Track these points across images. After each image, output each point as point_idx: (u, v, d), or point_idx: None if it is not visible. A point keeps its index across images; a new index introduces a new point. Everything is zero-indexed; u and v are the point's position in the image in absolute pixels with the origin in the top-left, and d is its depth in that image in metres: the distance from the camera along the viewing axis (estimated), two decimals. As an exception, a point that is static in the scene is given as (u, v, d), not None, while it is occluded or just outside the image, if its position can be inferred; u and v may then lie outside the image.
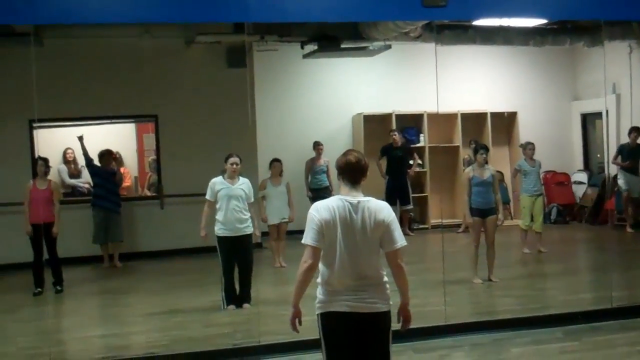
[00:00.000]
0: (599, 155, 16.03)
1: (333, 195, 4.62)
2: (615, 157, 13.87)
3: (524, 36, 13.29)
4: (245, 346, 7.27)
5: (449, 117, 15.38)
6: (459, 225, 14.54)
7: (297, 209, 11.37)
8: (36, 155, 11.06)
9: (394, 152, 14.32)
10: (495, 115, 15.70)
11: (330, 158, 13.25)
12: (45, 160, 10.36)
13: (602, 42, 12.30)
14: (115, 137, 14.44)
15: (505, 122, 16.06)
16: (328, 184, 13.52)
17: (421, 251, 12.39)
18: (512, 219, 14.26)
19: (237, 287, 8.83)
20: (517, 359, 6.96)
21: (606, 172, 14.62)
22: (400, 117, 15.24)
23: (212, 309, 8.79)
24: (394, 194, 13.96)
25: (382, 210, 4.43)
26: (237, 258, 8.74)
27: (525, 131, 15.49)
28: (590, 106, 15.82)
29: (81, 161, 13.98)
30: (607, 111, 14.51)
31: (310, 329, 6.94)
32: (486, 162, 9.83)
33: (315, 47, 12.98)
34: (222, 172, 8.90)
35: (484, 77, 16.02)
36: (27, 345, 7.69)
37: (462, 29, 12.85)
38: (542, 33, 13.31)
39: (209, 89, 13.28)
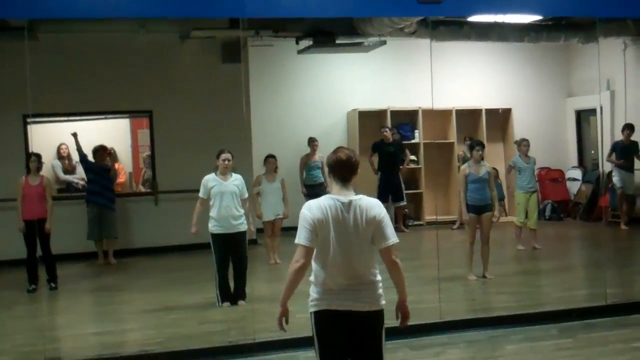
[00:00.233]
0: (593, 152, 16.06)
1: (328, 191, 4.59)
2: (610, 154, 13.89)
3: (519, 32, 13.30)
4: (240, 343, 7.26)
5: (444, 114, 15.39)
6: (453, 222, 14.54)
7: (291, 205, 11.36)
8: (30, 151, 11.02)
9: (385, 148, 14.32)
10: (489, 111, 15.71)
11: (325, 154, 13.16)
12: (38, 156, 10.31)
13: (596, 38, 12.29)
14: (110, 132, 14.39)
15: (500, 119, 16.07)
16: (323, 180, 13.50)
17: (416, 248, 12.39)
18: (506, 215, 14.28)
19: (231, 284, 8.81)
20: (512, 356, 6.96)
21: (600, 168, 14.64)
22: (395, 113, 15.24)
23: (206, 306, 8.78)
24: (387, 191, 13.97)
25: (374, 207, 4.41)
26: (231, 255, 8.72)
27: (519, 128, 15.51)
28: (585, 103, 15.85)
29: (75, 157, 13.94)
30: (601, 108, 14.53)
31: (305, 327, 6.93)
32: (482, 159, 9.83)
33: (310, 43, 12.97)
34: (215, 169, 8.88)
35: (478, 74, 16.03)
36: (21, 342, 7.66)
37: (457, 25, 12.85)
38: (536, 29, 13.33)
39: (204, 84, 13.26)
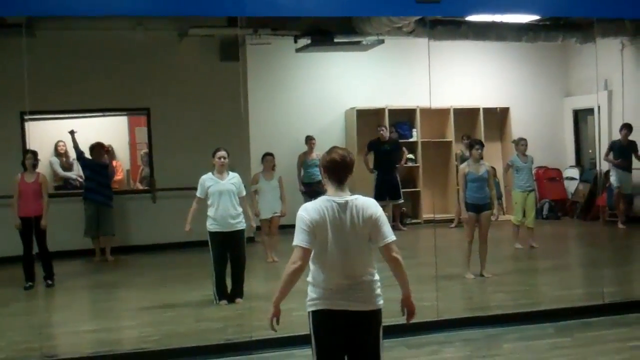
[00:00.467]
0: (590, 151, 16.08)
1: (325, 189, 4.58)
2: (607, 154, 13.91)
3: (517, 32, 13.31)
4: (238, 341, 7.26)
5: (442, 112, 15.39)
6: (451, 220, 14.57)
7: (289, 203, 11.36)
8: (28, 148, 11.00)
9: (382, 147, 14.31)
10: (487, 110, 15.73)
11: (322, 152, 13.19)
12: (34, 153, 10.30)
13: (594, 38, 12.32)
14: (108, 130, 14.42)
15: (498, 118, 16.09)
16: (321, 178, 13.47)
17: (413, 246, 12.38)
18: (504, 214, 14.29)
19: (229, 282, 8.81)
20: (509, 354, 6.95)
21: (598, 168, 14.66)
22: (393, 112, 15.24)
23: (204, 304, 8.78)
24: (383, 189, 13.97)
25: (370, 207, 4.41)
26: (229, 253, 8.72)
27: (517, 127, 15.52)
28: (582, 102, 15.87)
29: (73, 154, 13.94)
30: (599, 107, 14.55)
31: (301, 324, 6.92)
32: (481, 158, 9.84)
33: (309, 41, 12.96)
34: (212, 168, 8.87)
35: (476, 73, 16.04)
36: (18, 339, 7.65)
37: (455, 25, 12.85)
38: (534, 29, 13.33)
39: (202, 82, 13.26)
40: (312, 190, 13.14)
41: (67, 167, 14.05)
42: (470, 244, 9.79)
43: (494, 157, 15.27)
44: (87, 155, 12.31)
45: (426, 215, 15.11)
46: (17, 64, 8.74)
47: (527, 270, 10.79)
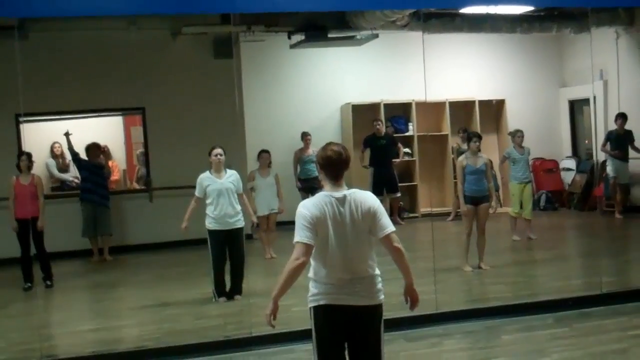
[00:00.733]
0: (587, 142, 16.08)
1: (321, 185, 4.58)
2: (604, 144, 13.91)
3: (511, 23, 13.29)
4: (237, 338, 7.27)
5: (437, 106, 15.38)
6: (448, 214, 14.58)
7: (286, 199, 11.37)
8: (22, 150, 10.99)
9: (378, 142, 14.30)
10: (483, 103, 15.72)
11: (318, 148, 13.19)
12: (29, 155, 10.28)
13: (588, 28, 12.31)
14: (103, 130, 14.40)
15: (494, 110, 16.08)
16: (317, 174, 13.46)
17: (411, 240, 12.39)
18: (501, 206, 14.29)
19: (227, 280, 8.81)
20: (508, 345, 6.98)
21: (594, 158, 14.66)
22: (389, 106, 15.23)
23: (203, 301, 8.78)
24: (380, 184, 13.96)
25: (368, 199, 4.43)
26: (229, 251, 8.73)
27: (513, 119, 15.51)
28: (578, 93, 15.86)
29: (69, 155, 13.94)
30: (594, 97, 14.55)
31: (301, 320, 6.95)
32: (479, 150, 9.85)
33: (303, 37, 12.94)
34: (209, 166, 8.86)
35: (471, 65, 16.01)
36: (17, 340, 7.66)
37: (449, 17, 12.85)
38: (529, 20, 13.32)
39: (196, 80, 13.24)
40: (308, 187, 13.15)
41: (63, 168, 14.03)
42: (468, 236, 9.79)
43: (490, 149, 15.26)
44: (83, 156, 12.27)
45: (423, 209, 15.11)
46: (10, 66, 8.74)
47: (525, 262, 10.79)
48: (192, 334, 7.47)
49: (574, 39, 14.84)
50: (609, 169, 13.91)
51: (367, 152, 14.42)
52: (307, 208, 4.35)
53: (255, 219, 9.52)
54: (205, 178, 8.73)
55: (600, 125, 14.74)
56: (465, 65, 15.93)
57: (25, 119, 12.05)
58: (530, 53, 16.29)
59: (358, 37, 13.15)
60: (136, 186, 14.15)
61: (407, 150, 15.19)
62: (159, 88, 13.09)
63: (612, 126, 14.11)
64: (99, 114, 13.99)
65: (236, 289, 8.80)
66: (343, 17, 12.52)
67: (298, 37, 13.07)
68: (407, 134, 15.38)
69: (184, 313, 8.39)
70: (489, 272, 9.72)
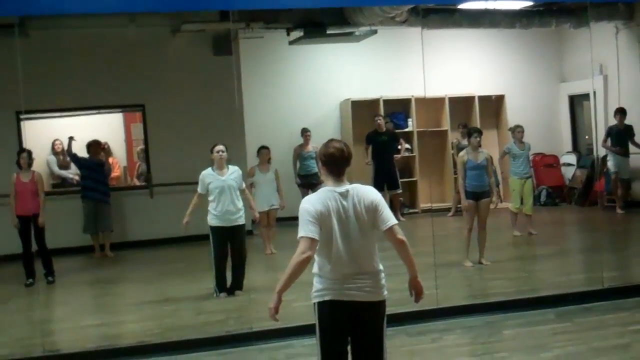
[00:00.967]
0: (587, 137, 16.07)
1: (321, 181, 4.59)
2: (605, 140, 13.90)
3: (510, 19, 13.30)
4: (238, 333, 7.29)
5: (437, 102, 15.37)
6: (448, 209, 14.60)
7: (285, 196, 11.38)
8: (22, 147, 11.01)
9: (379, 138, 14.28)
10: (482, 98, 15.71)
11: (318, 144, 13.18)
12: (29, 152, 10.30)
13: (588, 23, 12.30)
14: (103, 127, 14.41)
15: (493, 106, 16.08)
16: (317, 170, 13.47)
17: (411, 235, 12.36)
18: (501, 201, 14.29)
19: (228, 275, 8.83)
20: (509, 340, 6.99)
21: (595, 153, 14.65)
22: (388, 102, 15.22)
23: (204, 297, 8.80)
24: (382, 180, 13.95)
25: (369, 193, 4.46)
26: (230, 248, 8.74)
27: (513, 114, 15.52)
28: (578, 88, 15.86)
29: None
30: (594, 92, 14.54)
31: (301, 315, 7.00)
32: (480, 146, 9.85)
33: (301, 34, 12.96)
34: (211, 162, 8.87)
35: (471, 61, 16.00)
36: (20, 335, 7.68)
37: (448, 13, 12.86)
38: (528, 15, 13.33)
39: (196, 77, 13.25)
40: (308, 183, 13.15)
41: (65, 165, 14.03)
42: (469, 231, 9.79)
43: (490, 144, 15.25)
44: (83, 154, 12.27)
45: (423, 204, 15.12)
46: (11, 64, 8.76)
47: (526, 257, 10.80)
48: (193, 329, 7.48)
49: (574, 33, 14.83)
50: (610, 164, 13.91)
51: (370, 148, 14.38)
52: (311, 203, 4.36)
53: (257, 214, 9.55)
54: (207, 175, 8.73)
55: (600, 120, 14.73)
56: (464, 61, 15.92)
57: (26, 116, 12.07)
58: (530, 48, 16.28)
59: (357, 33, 13.16)
60: (137, 183, 14.17)
61: (407, 146, 15.18)
62: (159, 85, 13.10)
63: (612, 121, 14.11)
64: (99, 111, 14.00)
65: (237, 285, 8.82)
66: (342, 14, 12.52)
67: (297, 34, 13.08)
68: (406, 129, 15.37)
69: (185, 308, 8.41)
70: (490, 267, 9.73)
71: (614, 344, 6.64)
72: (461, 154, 10.07)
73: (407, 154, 15.15)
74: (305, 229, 4.28)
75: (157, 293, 9.28)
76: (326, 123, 15.04)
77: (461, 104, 15.61)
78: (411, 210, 15.18)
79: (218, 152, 8.73)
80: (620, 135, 13.77)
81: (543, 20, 13.45)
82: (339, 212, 4.35)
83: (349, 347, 4.46)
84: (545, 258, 10.64)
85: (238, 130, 12.94)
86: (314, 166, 13.55)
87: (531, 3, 12.83)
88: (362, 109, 15.03)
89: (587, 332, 7.01)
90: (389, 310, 4.57)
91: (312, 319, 4.52)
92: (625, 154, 13.83)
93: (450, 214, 14.44)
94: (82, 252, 12.33)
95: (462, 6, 12.57)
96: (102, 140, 13.17)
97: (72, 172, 13.78)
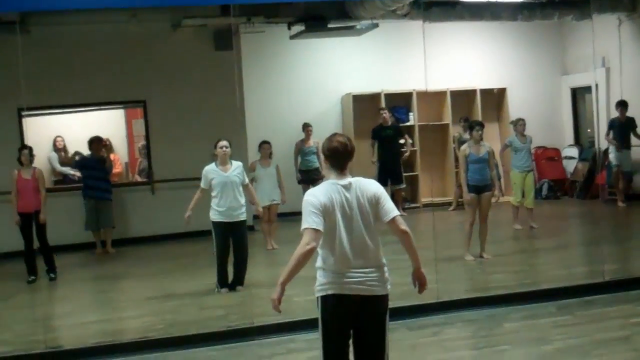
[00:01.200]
0: (589, 130, 16.05)
1: (323, 174, 4.60)
2: (608, 133, 13.87)
3: (512, 11, 13.28)
4: (239, 328, 7.29)
5: (438, 95, 15.36)
6: (449, 204, 14.59)
7: (286, 191, 11.37)
8: (23, 144, 11.01)
9: (384, 132, 14.24)
10: (484, 92, 15.68)
11: (319, 139, 13.19)
12: (30, 149, 10.30)
13: (590, 15, 12.28)
14: (105, 123, 14.39)
15: (495, 99, 16.06)
16: (318, 165, 13.46)
17: (412, 229, 12.18)
18: (502, 195, 14.26)
19: (230, 271, 8.84)
20: (510, 334, 6.99)
21: (596, 146, 14.64)
22: (389, 96, 15.20)
23: (205, 292, 8.81)
24: (386, 174, 13.93)
25: (371, 185, 4.49)
26: (232, 243, 8.75)
27: (515, 107, 15.49)
28: (580, 80, 15.83)
29: (71, 149, 13.98)
30: (596, 85, 14.50)
31: (303, 310, 7.01)
32: (481, 139, 9.84)
33: (302, 28, 12.94)
34: (213, 157, 8.86)
35: (472, 54, 15.97)
36: (22, 332, 7.70)
37: (450, 6, 12.84)
38: (530, 7, 13.30)
39: (197, 72, 13.23)
40: (309, 178, 13.11)
41: (66, 162, 14.04)
42: (471, 225, 9.79)
43: (492, 138, 15.23)
44: (85, 150, 12.29)
45: (424, 198, 15.11)
46: (12, 60, 8.78)
47: (527, 251, 10.81)
48: (195, 325, 7.49)
49: (576, 26, 14.80)
50: (612, 157, 13.88)
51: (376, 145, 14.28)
52: (314, 195, 4.37)
53: (260, 209, 9.57)
54: (210, 171, 8.74)
55: (602, 113, 14.69)
56: (466, 54, 15.90)
57: (27, 112, 12.03)
58: (532, 41, 16.24)
59: (358, 27, 13.14)
60: (138, 179, 14.17)
61: (410, 141, 15.13)
62: (160, 81, 13.09)
63: (614, 114, 14.08)
64: (101, 108, 13.99)
65: (238, 280, 8.83)
66: (343, 7, 12.50)
67: (298, 28, 13.07)
68: (408, 123, 15.35)
69: (186, 304, 8.42)
70: (491, 261, 9.72)
71: (615, 336, 6.63)
72: (463, 147, 10.05)
73: (409, 149, 15.03)
74: (309, 220, 4.28)
75: (158, 289, 9.29)
76: (327, 118, 15.03)
77: (463, 98, 15.59)
78: (412, 205, 15.17)
79: (222, 147, 8.72)
80: (621, 128, 13.74)
81: (545, 13, 13.42)
82: (342, 205, 4.36)
83: (350, 341, 4.46)
84: (546, 251, 10.64)
85: (239, 125, 12.94)
86: (315, 161, 13.54)
87: (533, -5, 12.82)
88: (363, 103, 15.02)
89: (588, 324, 7.02)
90: (390, 304, 4.57)
91: (313, 313, 4.53)
92: (627, 146, 13.80)
93: (452, 208, 14.44)
94: (84, 248, 12.34)
95: (463, -1, 12.56)
96: (104, 136, 13.17)
97: (74, 169, 13.78)
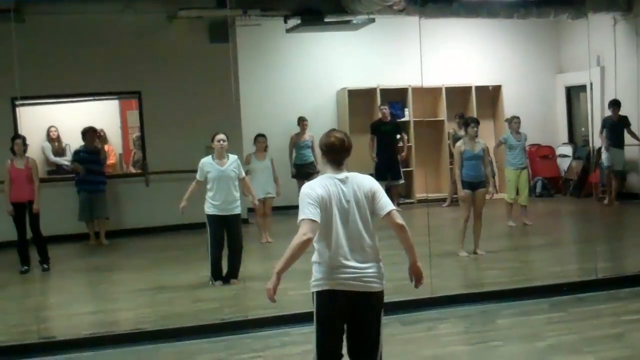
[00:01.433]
0: (583, 129, 16.08)
1: (318, 169, 4.61)
2: (601, 131, 13.89)
3: (508, 9, 13.29)
4: (233, 321, 7.29)
5: (434, 91, 15.37)
6: (444, 200, 14.61)
7: (281, 184, 11.36)
8: (16, 133, 10.96)
9: (383, 127, 14.23)
10: (480, 88, 15.70)
11: (314, 133, 13.22)
12: (23, 139, 10.25)
13: (586, 14, 12.29)
14: (99, 114, 14.37)
15: (490, 96, 16.07)
16: (313, 159, 13.44)
17: (407, 225, 12.35)
18: (497, 192, 14.30)
19: (224, 264, 8.83)
20: (503, 330, 7.00)
21: (591, 145, 14.66)
22: (385, 92, 15.19)
23: (199, 285, 8.80)
24: (384, 170, 13.92)
25: (367, 180, 4.50)
26: (227, 236, 8.74)
27: (509, 104, 15.51)
28: (575, 79, 15.84)
29: (64, 139, 13.93)
30: (591, 84, 14.52)
31: (297, 303, 7.01)
32: (476, 136, 9.84)
33: (299, 22, 12.91)
34: (208, 150, 8.84)
35: (468, 51, 15.98)
36: (15, 322, 7.68)
37: (446, 2, 12.84)
38: (526, 5, 13.31)
39: (192, 64, 13.19)
40: (304, 172, 13.09)
41: (60, 152, 14.00)
42: (466, 221, 9.79)
43: (486, 135, 15.23)
44: (79, 141, 12.24)
45: (419, 194, 15.12)
46: (6, 49, 8.72)
47: (521, 248, 10.82)
48: (189, 317, 7.48)
49: (572, 24, 14.82)
50: (604, 156, 13.87)
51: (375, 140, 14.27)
52: (311, 188, 4.38)
53: (257, 202, 9.57)
54: (206, 164, 8.71)
55: (596, 111, 14.73)
56: (462, 51, 15.90)
57: (21, 102, 11.98)
58: (528, 39, 16.26)
59: (354, 21, 13.11)
60: (132, 170, 14.14)
61: (406, 138, 15.11)
62: (155, 72, 13.04)
63: (608, 113, 14.10)
64: (95, 98, 13.95)
65: (233, 274, 8.82)
66: (339, 2, 12.49)
67: (294, 22, 13.04)
68: (403, 119, 15.34)
69: (180, 296, 8.41)
70: (485, 257, 9.74)
71: (607, 333, 6.65)
72: (458, 144, 10.06)
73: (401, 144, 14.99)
74: (306, 212, 4.28)
75: (152, 281, 9.27)
76: (323, 112, 15.02)
77: (458, 94, 15.60)
78: (407, 201, 15.16)
79: (219, 141, 8.70)
80: (614, 127, 13.75)
81: (541, 11, 13.43)
82: (339, 198, 4.36)
83: (344, 336, 4.46)
84: (540, 248, 10.66)
85: (234, 118, 12.88)
86: (310, 155, 13.54)
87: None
88: (358, 98, 15.01)
89: (581, 321, 7.03)
90: (384, 298, 4.57)
91: (307, 307, 4.53)
92: (619, 145, 13.81)
93: (446, 204, 14.45)
94: (77, 239, 12.30)
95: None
96: (98, 127, 13.12)
97: (67, 159, 13.73)
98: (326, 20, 12.78)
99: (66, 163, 13.74)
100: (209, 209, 8.66)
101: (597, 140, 14.07)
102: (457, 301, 7.71)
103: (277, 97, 14.87)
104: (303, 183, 4.72)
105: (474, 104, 15.47)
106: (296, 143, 13.72)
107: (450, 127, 15.11)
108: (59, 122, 14.00)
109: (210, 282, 8.74)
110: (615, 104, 13.73)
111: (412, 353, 6.33)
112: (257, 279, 8.56)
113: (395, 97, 15.42)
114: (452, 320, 7.29)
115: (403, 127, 15.07)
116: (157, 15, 12.91)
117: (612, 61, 14.76)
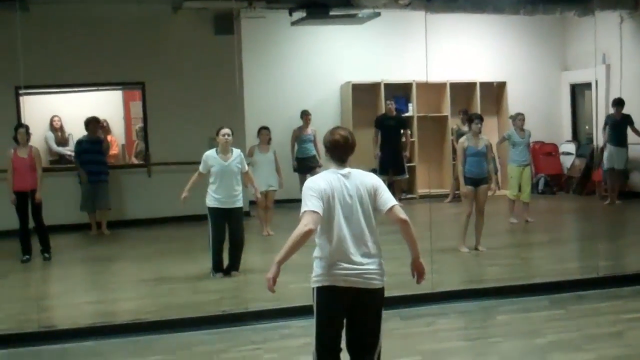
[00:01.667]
0: (587, 127, 16.05)
1: (320, 162, 4.61)
2: (604, 128, 13.86)
3: (515, 5, 13.23)
4: (234, 313, 7.29)
5: (438, 87, 15.34)
6: (446, 195, 14.60)
7: (284, 176, 11.35)
8: (19, 122, 10.97)
9: (388, 122, 14.22)
10: (484, 85, 15.67)
11: (317, 127, 13.22)
12: (27, 128, 10.25)
13: (593, 11, 12.25)
14: (102, 104, 14.36)
15: (495, 92, 16.05)
16: (315, 153, 13.41)
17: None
18: (499, 188, 14.26)
19: (225, 256, 8.83)
20: (503, 326, 7.00)
21: (594, 143, 14.63)
22: (389, 86, 15.17)
23: (200, 277, 8.80)
24: (388, 164, 13.90)
25: (369, 176, 4.51)
26: (228, 229, 8.73)
27: (514, 101, 15.49)
28: (580, 76, 15.82)
29: (68, 129, 13.94)
30: (596, 82, 14.50)
31: (297, 296, 7.01)
32: (480, 132, 9.83)
33: (304, 14, 12.87)
34: (211, 142, 8.82)
35: (473, 47, 15.95)
36: (15, 311, 7.68)
37: (453, -3, 12.77)
38: (533, 2, 13.24)
39: (196, 56, 13.17)
40: (305, 166, 13.06)
41: (63, 141, 14.02)
42: (468, 217, 9.78)
43: (490, 131, 15.23)
44: (82, 131, 12.24)
45: (421, 190, 15.11)
46: (11, 38, 8.73)
47: (522, 244, 10.82)
48: (189, 308, 7.48)
49: (578, 22, 14.78)
50: (605, 156, 13.82)
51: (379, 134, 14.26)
52: (314, 182, 4.40)
53: (259, 195, 9.57)
54: (210, 157, 8.70)
55: (601, 109, 14.69)
56: (467, 47, 15.87)
57: (24, 91, 12.01)
58: (533, 35, 16.22)
59: (360, 15, 13.08)
60: (135, 161, 14.14)
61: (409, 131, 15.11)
62: (159, 63, 13.03)
63: (613, 111, 14.06)
64: (99, 88, 13.94)
65: (233, 266, 8.82)
66: (345, -5, 12.46)
67: (299, 14, 12.99)
68: (406, 114, 15.32)
69: (181, 287, 8.41)
70: (486, 253, 9.74)
71: (607, 331, 6.65)
72: (462, 139, 10.04)
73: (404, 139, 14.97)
74: (309, 204, 4.28)
75: (153, 271, 9.28)
76: (326, 106, 15.01)
77: (462, 90, 15.58)
78: (409, 196, 15.16)
79: (224, 135, 8.68)
80: (616, 126, 13.70)
81: (548, 7, 13.38)
82: (342, 192, 4.37)
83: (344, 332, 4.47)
84: (541, 246, 10.67)
85: (238, 110, 12.88)
86: (312, 149, 13.51)
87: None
88: (362, 93, 15.00)
89: (580, 319, 7.03)
90: (384, 293, 4.57)
91: (308, 300, 4.52)
92: (622, 144, 13.76)
93: (448, 200, 14.44)
94: (79, 229, 12.33)
95: (466, -9, 12.51)
96: (101, 117, 13.13)
97: (70, 149, 13.74)
98: (331, 13, 12.74)
99: (69, 153, 13.75)
100: (211, 201, 8.66)
101: (600, 138, 14.04)
102: (457, 297, 7.72)
103: (281, 90, 14.86)
104: (304, 177, 4.73)
105: (478, 100, 15.45)
106: (298, 137, 13.71)
107: (454, 123, 15.10)
108: (62, 111, 14.00)
109: (211, 274, 8.75)
110: (618, 103, 13.68)
111: (412, 348, 6.33)
112: (257, 271, 8.56)
113: (399, 92, 15.40)
114: (452, 316, 7.29)
115: (407, 121, 15.06)
116: (162, 6, 12.91)
117: (618, 59, 14.74)
